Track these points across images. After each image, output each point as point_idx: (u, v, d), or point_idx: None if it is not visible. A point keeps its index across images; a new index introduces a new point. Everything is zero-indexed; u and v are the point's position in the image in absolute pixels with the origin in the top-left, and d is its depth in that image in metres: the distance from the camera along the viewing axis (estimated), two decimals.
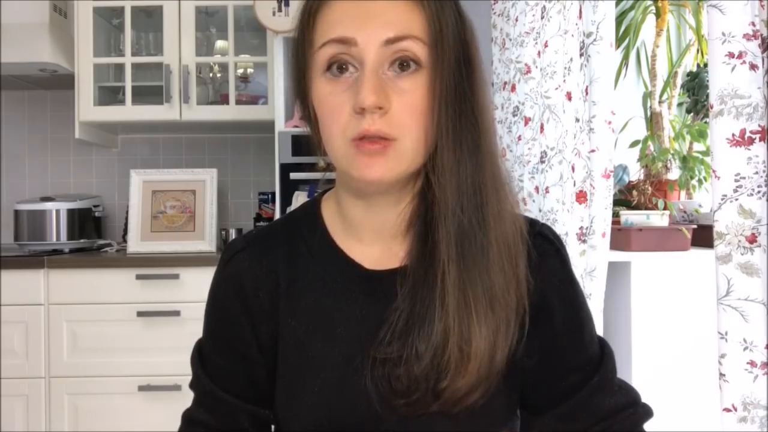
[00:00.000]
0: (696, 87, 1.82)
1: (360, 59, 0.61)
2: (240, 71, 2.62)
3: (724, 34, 0.76)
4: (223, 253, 0.75)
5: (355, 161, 0.62)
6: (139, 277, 2.11)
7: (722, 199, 0.78)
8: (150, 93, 2.46)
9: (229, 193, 2.81)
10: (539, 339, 0.69)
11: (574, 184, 1.38)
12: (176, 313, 2.10)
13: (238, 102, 2.48)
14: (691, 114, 1.88)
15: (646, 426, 0.72)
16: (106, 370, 2.11)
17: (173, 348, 2.08)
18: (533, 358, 0.69)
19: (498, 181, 0.66)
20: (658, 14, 1.90)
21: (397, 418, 0.66)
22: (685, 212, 1.75)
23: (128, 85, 2.42)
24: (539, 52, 1.48)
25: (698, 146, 1.80)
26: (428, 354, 0.62)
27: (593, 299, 1.34)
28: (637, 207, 1.67)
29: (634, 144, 1.85)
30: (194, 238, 2.38)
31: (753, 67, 0.75)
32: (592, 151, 1.34)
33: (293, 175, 2.16)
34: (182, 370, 2.01)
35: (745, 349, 0.79)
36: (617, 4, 1.90)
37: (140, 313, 2.10)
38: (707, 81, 1.21)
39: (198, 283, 2.11)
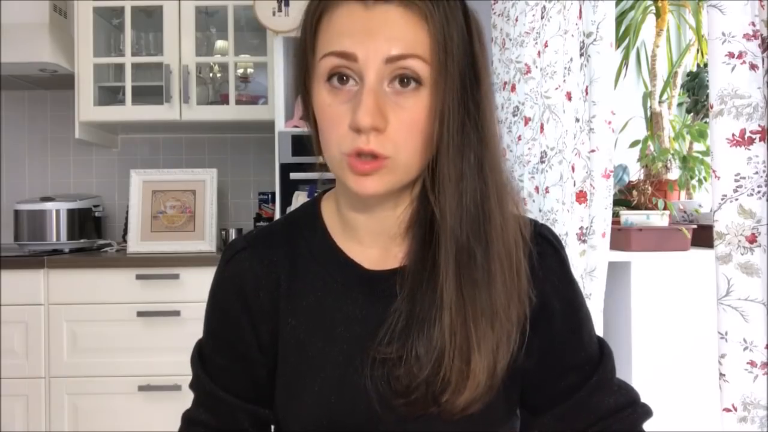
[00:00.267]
0: (696, 87, 1.82)
1: (360, 75, 0.60)
2: (240, 71, 2.62)
3: (724, 34, 0.76)
4: (224, 252, 0.75)
5: (349, 176, 0.62)
6: (139, 277, 2.11)
7: (722, 199, 0.78)
8: (150, 93, 2.46)
9: (229, 193, 2.81)
10: (539, 339, 0.69)
11: (574, 184, 1.38)
12: (176, 313, 2.10)
13: (238, 102, 2.48)
14: (691, 114, 1.88)
15: (646, 426, 0.72)
16: (106, 370, 2.11)
17: (173, 348, 2.08)
18: (533, 358, 0.69)
19: (501, 192, 0.65)
20: (658, 14, 1.90)
21: (396, 418, 0.66)
22: (685, 212, 1.75)
23: (128, 85, 2.42)
24: (539, 52, 1.48)
25: (698, 146, 1.80)
26: (428, 357, 0.62)
27: (593, 299, 1.34)
28: (637, 207, 1.67)
29: (634, 144, 1.85)
30: (194, 238, 2.38)
31: (753, 67, 0.75)
32: (592, 151, 1.34)
33: (293, 175, 2.16)
34: (182, 370, 2.01)
35: (745, 349, 0.79)
36: (617, 4, 1.90)
37: (140, 313, 2.10)
38: (707, 81, 1.21)
39: (198, 283, 2.11)
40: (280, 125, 2.24)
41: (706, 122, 1.78)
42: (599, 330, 1.36)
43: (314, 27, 0.64)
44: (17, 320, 2.10)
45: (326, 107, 0.63)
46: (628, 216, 1.59)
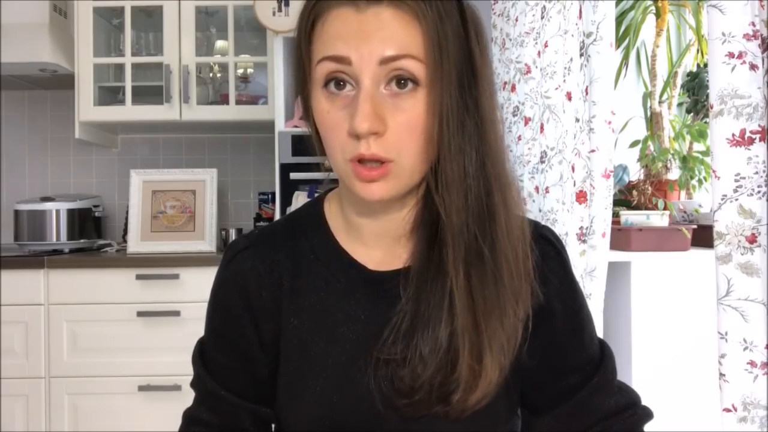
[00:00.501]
0: (696, 87, 1.82)
1: (356, 78, 0.60)
2: (240, 71, 2.62)
3: (724, 34, 0.76)
4: (226, 251, 0.75)
5: (355, 182, 0.62)
6: (139, 277, 2.11)
7: (722, 199, 0.78)
8: (150, 93, 2.46)
9: (229, 193, 2.81)
10: (540, 339, 0.69)
11: (574, 184, 1.38)
12: (176, 313, 2.10)
13: (238, 102, 2.48)
14: (691, 114, 1.88)
15: (646, 428, 0.72)
16: (106, 370, 2.11)
17: (173, 348, 2.08)
18: (534, 358, 0.69)
19: (505, 190, 0.65)
20: (658, 14, 1.90)
21: (399, 418, 0.66)
22: (685, 212, 1.75)
23: (128, 85, 2.42)
24: (539, 52, 1.48)
25: (698, 146, 1.80)
26: (434, 357, 0.62)
27: (593, 299, 1.34)
28: (637, 207, 1.67)
29: (634, 144, 1.85)
30: (194, 238, 2.38)
31: (753, 67, 0.75)
32: (592, 151, 1.34)
33: (293, 175, 2.16)
34: (182, 370, 2.02)
35: (745, 349, 0.79)
36: (617, 4, 1.90)
37: (140, 313, 2.10)
38: (707, 81, 1.21)
39: (198, 283, 2.11)
40: (280, 125, 2.24)
41: (706, 122, 1.78)
42: (599, 330, 1.36)
43: (308, 33, 0.64)
44: (17, 320, 2.10)
45: (325, 114, 0.62)
46: (628, 216, 1.59)
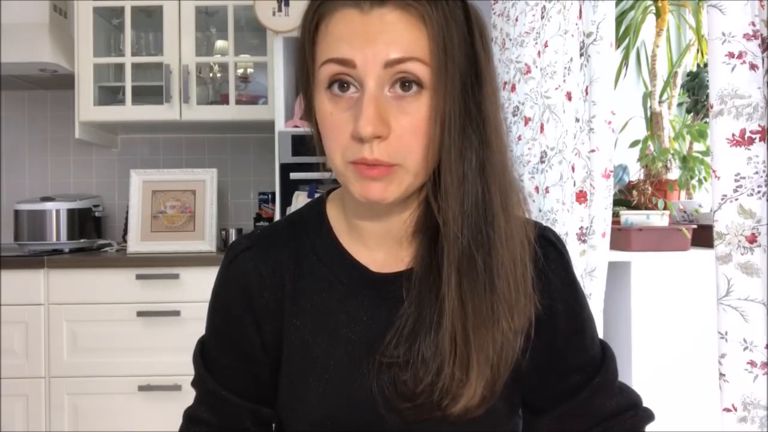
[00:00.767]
0: (696, 87, 1.82)
1: (360, 81, 0.59)
2: (240, 71, 2.62)
3: (724, 34, 0.76)
4: (227, 251, 0.75)
5: (355, 183, 0.62)
6: (139, 277, 2.11)
7: (722, 199, 0.78)
8: (150, 93, 2.46)
9: (229, 193, 2.81)
10: (541, 340, 0.69)
11: (574, 184, 1.38)
12: (176, 313, 2.10)
13: (238, 102, 2.48)
14: (691, 114, 1.88)
15: (647, 429, 0.72)
16: (106, 370, 2.11)
17: (173, 348, 2.08)
18: (535, 359, 0.69)
19: (506, 195, 0.64)
20: (658, 14, 1.90)
21: (400, 421, 0.66)
22: (685, 212, 1.75)
23: (128, 85, 2.42)
24: (539, 52, 1.48)
25: (698, 146, 1.80)
26: (435, 360, 0.62)
27: (593, 299, 1.35)
28: (637, 207, 1.67)
29: (634, 144, 1.85)
30: (194, 238, 2.38)
31: (753, 67, 0.75)
32: (592, 151, 1.34)
33: (293, 175, 2.16)
34: (182, 370, 2.02)
35: (745, 349, 0.79)
36: (617, 4, 1.90)
37: (140, 313, 2.10)
38: (707, 81, 1.21)
39: (198, 283, 2.11)
40: (280, 125, 2.24)
41: (706, 122, 1.78)
42: (599, 330, 1.36)
43: (312, 34, 0.63)
44: (17, 320, 2.10)
45: (328, 115, 0.62)
46: (628, 216, 1.59)
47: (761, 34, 0.75)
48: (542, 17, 1.47)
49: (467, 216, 0.61)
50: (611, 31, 1.32)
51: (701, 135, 1.75)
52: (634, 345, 1.49)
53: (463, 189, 0.61)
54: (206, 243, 2.37)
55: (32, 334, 2.10)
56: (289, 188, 2.19)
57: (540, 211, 1.48)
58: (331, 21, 0.61)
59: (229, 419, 0.74)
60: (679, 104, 1.96)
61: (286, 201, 2.18)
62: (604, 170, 1.34)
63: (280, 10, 2.19)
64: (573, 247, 1.36)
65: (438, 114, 0.60)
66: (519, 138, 1.65)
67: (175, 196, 2.43)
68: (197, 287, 2.10)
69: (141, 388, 2.09)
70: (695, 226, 1.61)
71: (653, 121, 1.89)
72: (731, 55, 0.75)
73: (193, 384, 0.76)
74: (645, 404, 0.74)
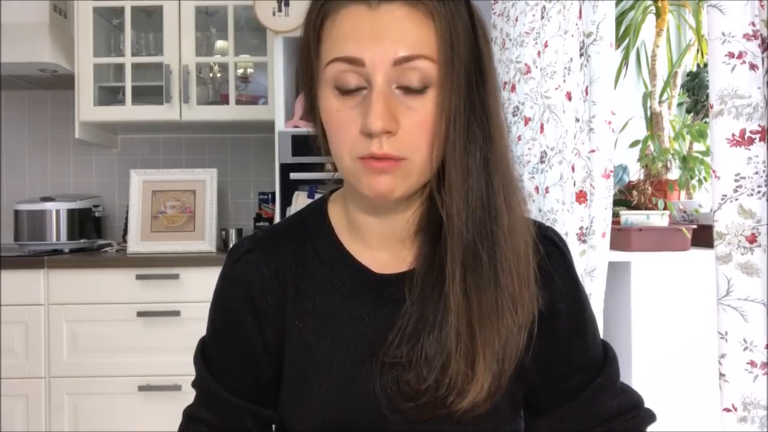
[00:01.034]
0: (696, 87, 1.82)
1: (368, 78, 0.60)
2: (240, 71, 2.62)
3: (724, 34, 0.76)
4: (229, 254, 0.75)
5: (363, 178, 0.62)
6: (139, 277, 2.11)
7: (722, 199, 0.78)
8: (150, 93, 2.46)
9: (229, 193, 2.81)
10: (543, 341, 0.69)
11: (574, 184, 1.38)
12: (176, 313, 2.10)
13: (238, 102, 2.48)
14: (691, 114, 1.88)
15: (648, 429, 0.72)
16: (106, 370, 2.11)
17: (173, 348, 2.08)
18: (537, 359, 0.69)
19: (509, 191, 0.64)
20: (658, 14, 1.90)
21: (403, 421, 0.66)
22: (685, 212, 1.75)
23: (128, 85, 2.42)
24: (539, 52, 1.48)
25: (698, 146, 1.80)
26: (439, 359, 0.62)
27: (593, 299, 1.35)
28: (637, 207, 1.67)
29: (634, 144, 1.85)
30: (194, 238, 2.38)
31: (753, 67, 0.75)
32: (592, 151, 1.34)
33: (293, 175, 2.16)
34: (182, 370, 2.02)
35: (745, 349, 0.79)
36: (617, 4, 1.90)
37: (140, 313, 2.10)
38: (707, 81, 1.21)
39: (198, 283, 2.10)
40: (280, 125, 2.23)
41: (706, 122, 1.78)
42: (599, 330, 1.36)
43: (317, 31, 0.63)
44: (17, 320, 2.10)
45: (334, 113, 0.62)
46: (628, 216, 1.59)
47: (761, 34, 0.75)
48: (542, 17, 1.47)
49: (471, 211, 0.62)
50: (611, 31, 1.32)
51: (701, 135, 1.75)
52: (634, 345, 1.49)
53: (467, 184, 0.61)
54: (206, 243, 2.37)
55: (32, 334, 2.10)
56: (289, 188, 2.19)
57: (540, 211, 1.48)
58: (337, 18, 0.61)
59: (230, 420, 0.73)
60: (679, 104, 1.96)
61: (286, 201, 2.18)
62: (604, 170, 1.34)
63: (280, 10, 2.19)
64: (573, 247, 1.36)
65: (444, 110, 0.60)
66: (519, 138, 1.65)
67: (175, 196, 2.43)
68: (197, 287, 2.10)
69: (141, 388, 2.09)
70: (695, 226, 1.61)
71: (653, 121, 1.89)
72: (731, 55, 0.76)
73: (194, 384, 0.76)
74: (646, 405, 0.74)
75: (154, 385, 2.09)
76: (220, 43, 2.64)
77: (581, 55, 1.37)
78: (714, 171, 0.79)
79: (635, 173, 1.86)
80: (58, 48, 2.36)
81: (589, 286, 1.36)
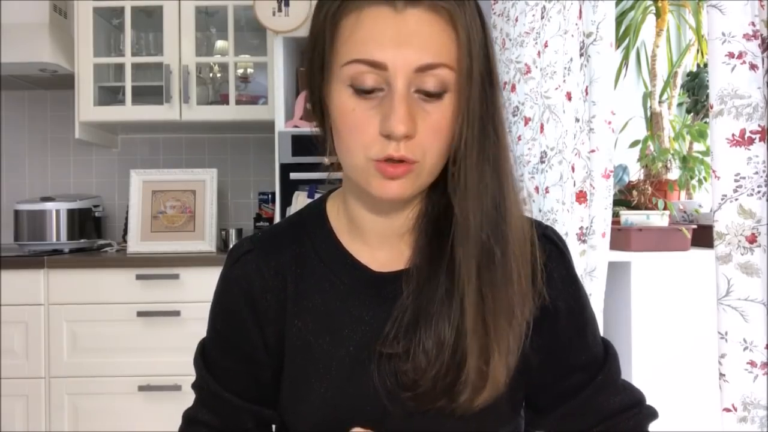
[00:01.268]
0: (696, 87, 1.82)
1: (388, 82, 0.59)
2: (240, 71, 2.62)
3: (724, 34, 0.76)
4: (229, 254, 0.75)
5: (373, 180, 0.62)
6: (139, 277, 2.11)
7: (722, 199, 0.78)
8: (150, 93, 2.46)
9: (229, 193, 2.81)
10: (543, 339, 0.69)
11: (574, 184, 1.38)
12: (176, 313, 2.10)
13: (238, 102, 2.48)
14: (691, 114, 1.88)
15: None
16: (106, 370, 2.11)
17: (173, 348, 2.08)
18: (538, 357, 0.69)
19: (514, 191, 0.66)
20: (658, 14, 1.90)
21: (403, 413, 0.66)
22: (685, 212, 1.75)
23: (128, 85, 2.42)
24: (539, 52, 1.48)
25: (698, 146, 1.80)
26: (437, 351, 0.63)
27: (593, 299, 1.35)
28: (637, 207, 1.67)
29: (634, 144, 1.85)
30: (194, 238, 2.38)
31: (753, 67, 0.75)
32: (592, 151, 1.34)
33: (293, 175, 2.16)
34: (182, 370, 2.02)
35: (745, 349, 0.79)
36: (617, 4, 1.90)
37: (140, 313, 2.10)
38: (707, 81, 1.21)
39: (198, 283, 2.10)
40: (280, 125, 2.23)
41: (706, 122, 1.78)
42: (599, 330, 1.36)
43: (333, 27, 0.62)
44: (17, 320, 2.10)
45: (350, 112, 0.61)
46: (628, 216, 1.59)
47: (761, 34, 0.75)
48: (542, 17, 1.47)
49: (485, 211, 0.63)
50: (611, 31, 1.32)
51: (701, 135, 1.75)
52: (634, 345, 1.49)
53: (482, 186, 0.62)
54: (206, 243, 2.37)
55: (32, 334, 2.10)
56: (289, 188, 2.19)
57: (540, 211, 1.48)
58: (360, 16, 0.60)
59: (231, 421, 0.73)
60: (679, 104, 1.96)
61: (286, 201, 2.18)
62: (604, 170, 1.34)
63: (280, 10, 2.19)
64: (573, 247, 1.36)
65: (462, 115, 0.61)
66: (519, 138, 1.65)
67: (175, 196, 2.43)
68: (197, 287, 2.10)
69: (141, 388, 2.09)
70: (695, 226, 1.61)
71: (653, 121, 1.89)
72: (731, 55, 0.76)
73: (194, 386, 0.76)
74: (648, 402, 0.74)
75: (154, 385, 2.09)
76: (220, 43, 2.64)
77: (581, 55, 1.37)
78: (714, 171, 0.79)
79: (635, 173, 1.86)
80: (58, 48, 2.36)
81: (589, 286, 1.36)
